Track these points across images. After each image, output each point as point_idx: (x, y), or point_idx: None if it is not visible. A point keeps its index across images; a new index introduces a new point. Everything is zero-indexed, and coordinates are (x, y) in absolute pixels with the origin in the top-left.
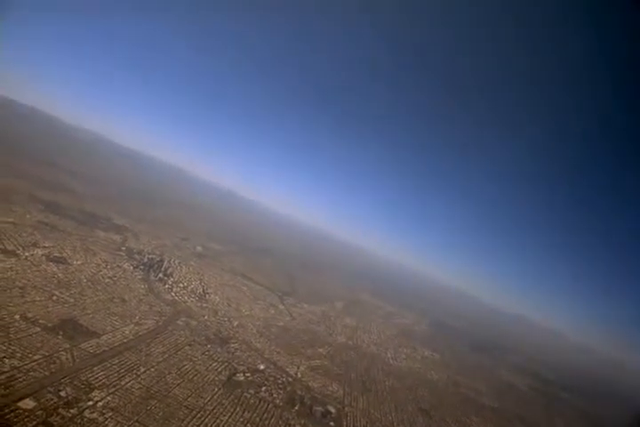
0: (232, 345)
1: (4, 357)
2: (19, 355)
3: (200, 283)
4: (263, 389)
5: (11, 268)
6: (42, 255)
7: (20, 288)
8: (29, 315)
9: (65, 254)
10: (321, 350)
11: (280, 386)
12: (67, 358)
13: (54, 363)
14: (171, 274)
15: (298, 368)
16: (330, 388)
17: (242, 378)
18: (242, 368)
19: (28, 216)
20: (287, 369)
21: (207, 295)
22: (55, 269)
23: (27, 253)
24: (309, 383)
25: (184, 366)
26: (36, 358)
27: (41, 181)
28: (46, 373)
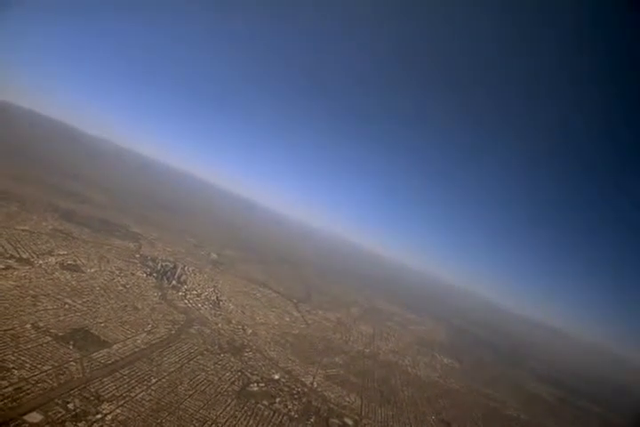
0: (246, 354)
1: (13, 367)
2: (28, 365)
3: (214, 290)
4: (277, 400)
5: (24, 276)
6: (56, 263)
7: (33, 297)
8: (41, 324)
9: (79, 262)
10: (337, 358)
11: (295, 397)
12: (76, 369)
13: (64, 374)
14: (184, 281)
15: (313, 378)
16: (347, 398)
17: (255, 388)
18: (255, 378)
19: (44, 224)
20: (302, 379)
21: (221, 303)
22: (68, 277)
23: (41, 261)
24: (325, 394)
25: (196, 376)
26: (45, 368)
27: (59, 189)
28: (55, 384)
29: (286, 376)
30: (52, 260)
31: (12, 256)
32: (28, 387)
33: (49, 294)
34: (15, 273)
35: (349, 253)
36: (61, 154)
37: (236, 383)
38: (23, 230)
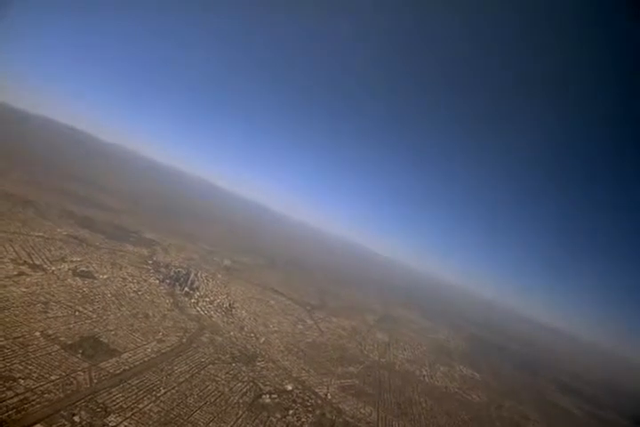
0: (258, 363)
1: (20, 377)
2: (35, 375)
3: (227, 297)
4: (290, 412)
5: (36, 282)
6: (68, 270)
7: (44, 304)
8: (50, 332)
9: (92, 269)
10: (352, 368)
11: (309, 409)
12: (84, 379)
13: (71, 384)
14: (197, 288)
15: (328, 389)
16: (362, 411)
17: (268, 400)
18: (268, 389)
19: (58, 230)
20: (316, 390)
21: (234, 310)
22: (80, 284)
23: (53, 268)
24: (340, 406)
25: (207, 386)
26: (52, 378)
27: (74, 195)
28: (61, 395)
29: (300, 387)
30: (64, 266)
31: (25, 262)
32: (33, 398)
33: (60, 301)
34: (27, 279)
35: (357, 255)
36: (75, 159)
37: (248, 395)
38: (38, 236)
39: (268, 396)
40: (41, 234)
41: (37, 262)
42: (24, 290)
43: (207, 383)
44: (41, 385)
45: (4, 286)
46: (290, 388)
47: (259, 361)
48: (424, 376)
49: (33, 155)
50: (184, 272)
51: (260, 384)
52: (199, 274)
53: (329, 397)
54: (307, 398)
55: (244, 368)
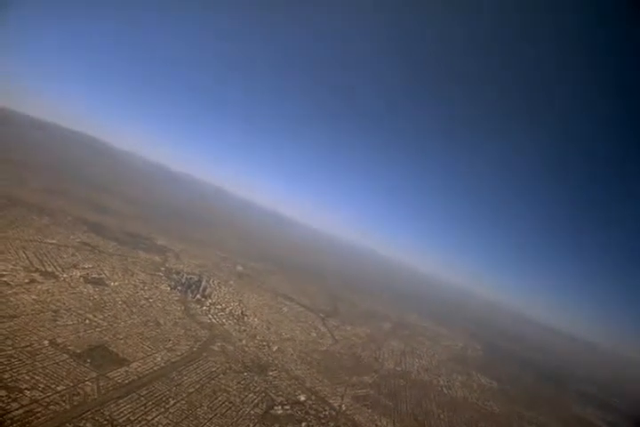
0: (270, 373)
1: (26, 388)
2: (41, 385)
3: (239, 304)
4: (303, 424)
5: (47, 290)
6: (80, 277)
7: (54, 311)
8: (59, 340)
9: (103, 275)
10: (367, 377)
11: (322, 421)
12: (91, 389)
13: (78, 395)
14: (209, 295)
15: (342, 399)
16: (378, 423)
17: (280, 411)
18: (280, 400)
19: (71, 237)
20: (330, 401)
21: (246, 317)
22: (91, 291)
23: (65, 275)
24: (355, 418)
25: (217, 397)
26: (59, 389)
27: (88, 202)
28: (68, 406)
29: (313, 398)
30: (76, 273)
31: (37, 270)
32: (39, 410)
33: (70, 309)
34: (38, 287)
35: (364, 258)
36: (89, 166)
37: (260, 406)
38: (51, 244)
39: (280, 407)
40: (54, 241)
41: (49, 270)
42: (35, 298)
43: (218, 394)
44: (47, 396)
45: (15, 294)
46: (303, 398)
47: (271, 371)
48: (441, 386)
49: (49, 162)
50: (196, 279)
51: (273, 395)
52: (211, 281)
53: (343, 408)
54: (320, 409)
55: (255, 378)
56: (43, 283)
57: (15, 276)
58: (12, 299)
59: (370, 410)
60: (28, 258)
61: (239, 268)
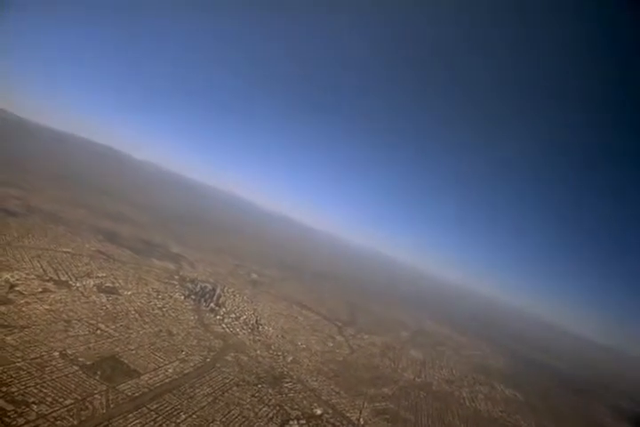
0: (285, 385)
1: (34, 402)
2: (49, 399)
3: (253, 313)
4: None
5: (60, 299)
6: (93, 286)
7: (66, 321)
8: (69, 352)
9: (117, 284)
10: (386, 389)
11: None
12: (100, 403)
13: (86, 409)
14: (223, 304)
15: (360, 413)
16: None
17: (295, 426)
18: (295, 413)
19: (86, 246)
20: (348, 414)
21: (260, 327)
22: (104, 301)
23: (78, 284)
24: None
25: (230, 411)
26: (67, 402)
27: (104, 211)
28: (75, 422)
29: (330, 411)
30: (89, 282)
31: (50, 279)
32: (45, 426)
33: (82, 319)
34: (51, 296)
35: (374, 261)
36: (106, 176)
37: (274, 420)
38: (66, 252)
39: (295, 422)
40: (69, 250)
41: (63, 279)
42: (47, 307)
43: (231, 407)
44: (54, 411)
45: (28, 304)
46: (319, 412)
47: (286, 382)
48: (464, 398)
49: (66, 172)
50: (210, 287)
51: (288, 408)
52: (225, 289)
53: (361, 422)
54: (337, 423)
55: (270, 390)
56: (56, 292)
57: (29, 285)
58: (24, 309)
59: (390, 424)
60: (42, 267)
61: (254, 275)
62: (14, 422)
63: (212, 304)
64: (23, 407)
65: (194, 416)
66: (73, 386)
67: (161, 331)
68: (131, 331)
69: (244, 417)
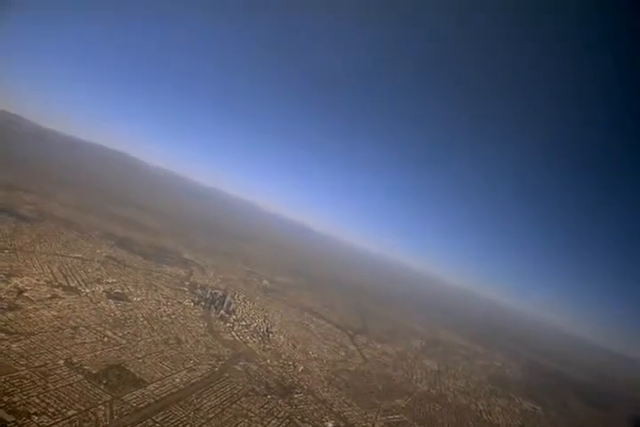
0: (296, 396)
1: (35, 413)
2: (51, 410)
3: (264, 321)
4: None
5: (68, 306)
6: (103, 292)
7: (73, 328)
8: (75, 360)
9: (126, 290)
10: (399, 401)
11: None
12: (104, 415)
13: (89, 421)
14: (233, 311)
15: (373, 426)
16: None
17: None
18: None
19: (98, 251)
20: None
21: (271, 335)
22: (113, 307)
23: (87, 290)
24: None
25: (238, 423)
26: (69, 413)
27: (116, 217)
28: None
29: (341, 424)
30: (99, 288)
31: (59, 285)
32: None
33: (89, 326)
34: (60, 303)
35: (384, 267)
36: (119, 182)
37: None
38: (76, 258)
39: None
40: (80, 255)
41: (72, 284)
42: (55, 314)
43: (239, 420)
44: (56, 422)
45: (36, 310)
46: (330, 425)
47: (296, 393)
48: (480, 411)
49: (79, 178)
50: (220, 294)
51: (298, 421)
52: (236, 296)
53: None
54: None
55: (279, 402)
56: (64, 298)
57: (37, 291)
58: (31, 315)
59: None
60: (52, 272)
61: (265, 282)
62: None
63: (222, 311)
64: (24, 419)
65: None
66: (77, 396)
67: (169, 339)
68: (138, 338)
69: None
